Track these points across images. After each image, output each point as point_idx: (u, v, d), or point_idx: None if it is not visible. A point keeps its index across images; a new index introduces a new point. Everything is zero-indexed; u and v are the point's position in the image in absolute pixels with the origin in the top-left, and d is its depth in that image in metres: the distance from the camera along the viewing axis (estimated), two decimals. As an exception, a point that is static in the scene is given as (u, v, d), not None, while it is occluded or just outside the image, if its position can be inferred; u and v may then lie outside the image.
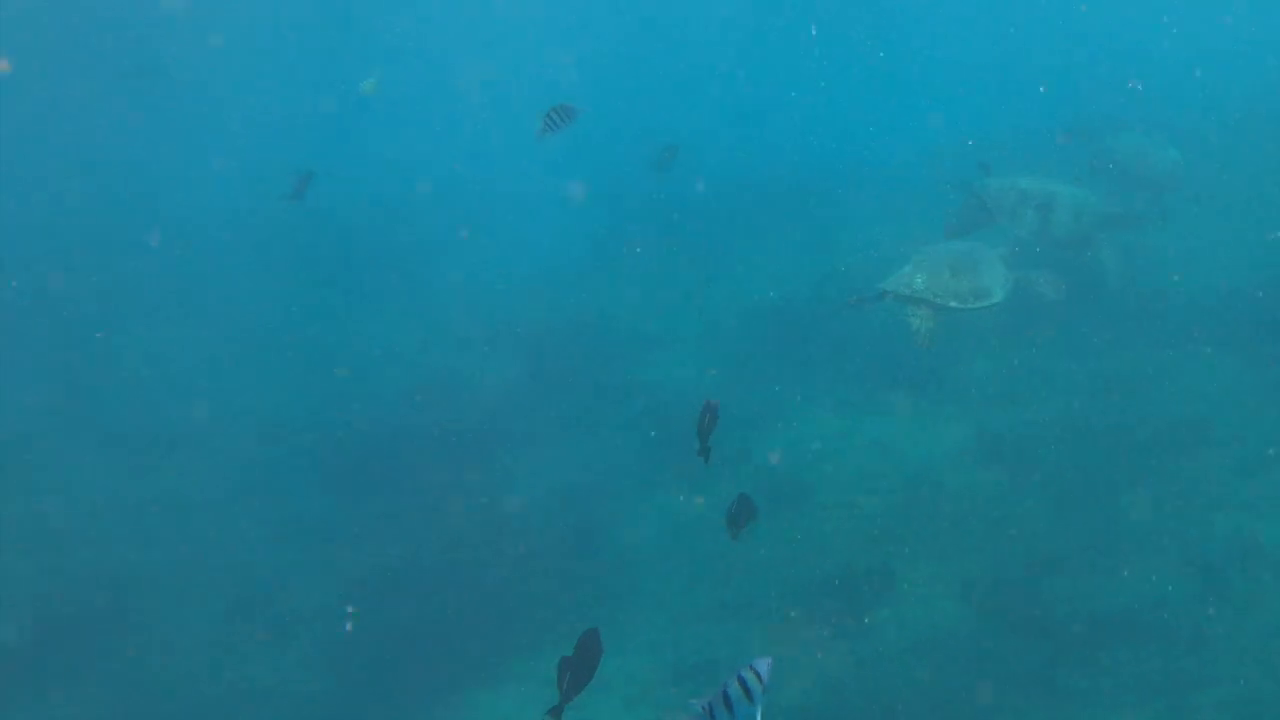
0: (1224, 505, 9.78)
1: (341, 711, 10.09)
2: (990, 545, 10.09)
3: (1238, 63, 20.56)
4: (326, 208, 19.79)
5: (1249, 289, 12.31)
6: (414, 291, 18.17)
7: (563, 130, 10.20)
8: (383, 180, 23.36)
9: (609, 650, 6.07)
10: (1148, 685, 8.40)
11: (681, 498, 12.00)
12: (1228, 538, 9.42)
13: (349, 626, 10.80)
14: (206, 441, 14.11)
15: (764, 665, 5.14)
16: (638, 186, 20.64)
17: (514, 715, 9.87)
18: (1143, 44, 23.82)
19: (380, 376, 15.44)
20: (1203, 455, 10.38)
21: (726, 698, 5.15)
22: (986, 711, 8.60)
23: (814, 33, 29.53)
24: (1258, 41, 21.67)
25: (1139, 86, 18.14)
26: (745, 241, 17.88)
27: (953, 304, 9.58)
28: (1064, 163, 15.02)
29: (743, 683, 5.14)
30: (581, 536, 11.76)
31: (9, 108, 26.48)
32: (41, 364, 16.29)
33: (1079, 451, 10.79)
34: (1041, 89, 21.52)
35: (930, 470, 11.21)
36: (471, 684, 10.30)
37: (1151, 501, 10.00)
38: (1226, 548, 9.31)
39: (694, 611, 10.54)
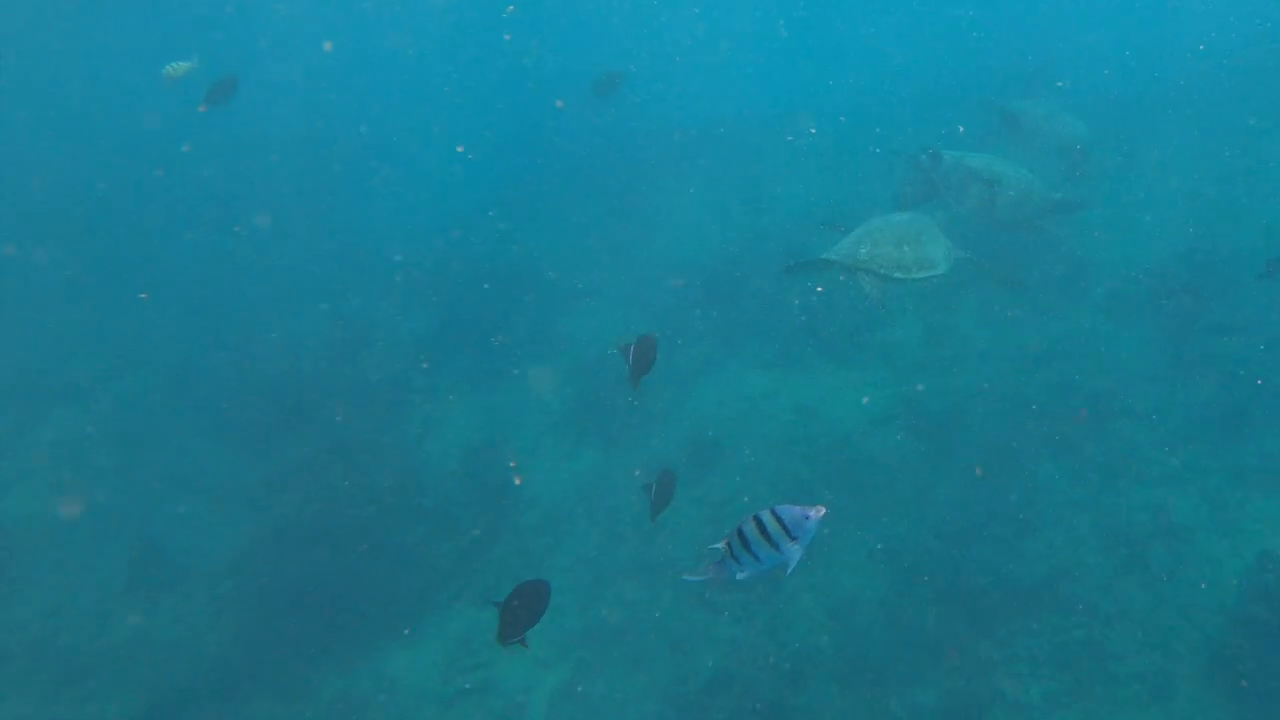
0: (1142, 479, 9.92)
1: (247, 671, 9.72)
2: (911, 513, 10.12)
3: (1160, 37, 20.81)
4: (236, 141, 18.84)
5: (1172, 264, 12.48)
6: (331, 234, 17.44)
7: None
8: (299, 118, 22.33)
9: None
10: (1065, 656, 8.51)
11: (605, 456, 11.79)
12: (1146, 511, 9.57)
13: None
14: (100, 392, 13.39)
15: (798, 513, 4.63)
16: (566, 131, 20.12)
17: (429, 673, 9.64)
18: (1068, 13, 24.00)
19: (292, 323, 14.79)
20: (1122, 429, 10.52)
21: (744, 538, 4.73)
22: (901, 680, 8.64)
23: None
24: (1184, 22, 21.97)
25: (1058, 77, 18.15)
26: (676, 193, 17.56)
27: (897, 275, 9.47)
28: (973, 126, 15.07)
29: (762, 527, 4.69)
30: (501, 493, 11.48)
31: None
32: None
33: (1001, 421, 10.85)
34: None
35: (854, 435, 11.18)
36: (385, 642, 10.03)
37: (1071, 473, 10.11)
38: (1145, 521, 9.46)
39: (615, 570, 10.41)
